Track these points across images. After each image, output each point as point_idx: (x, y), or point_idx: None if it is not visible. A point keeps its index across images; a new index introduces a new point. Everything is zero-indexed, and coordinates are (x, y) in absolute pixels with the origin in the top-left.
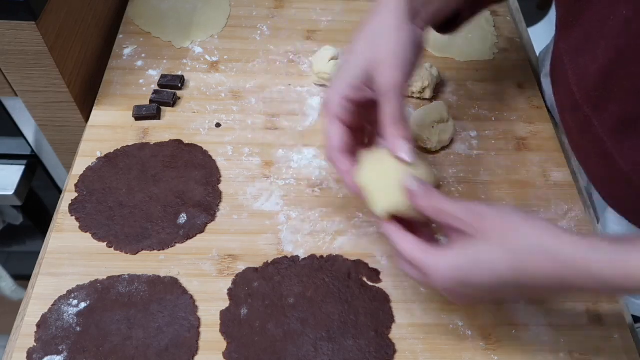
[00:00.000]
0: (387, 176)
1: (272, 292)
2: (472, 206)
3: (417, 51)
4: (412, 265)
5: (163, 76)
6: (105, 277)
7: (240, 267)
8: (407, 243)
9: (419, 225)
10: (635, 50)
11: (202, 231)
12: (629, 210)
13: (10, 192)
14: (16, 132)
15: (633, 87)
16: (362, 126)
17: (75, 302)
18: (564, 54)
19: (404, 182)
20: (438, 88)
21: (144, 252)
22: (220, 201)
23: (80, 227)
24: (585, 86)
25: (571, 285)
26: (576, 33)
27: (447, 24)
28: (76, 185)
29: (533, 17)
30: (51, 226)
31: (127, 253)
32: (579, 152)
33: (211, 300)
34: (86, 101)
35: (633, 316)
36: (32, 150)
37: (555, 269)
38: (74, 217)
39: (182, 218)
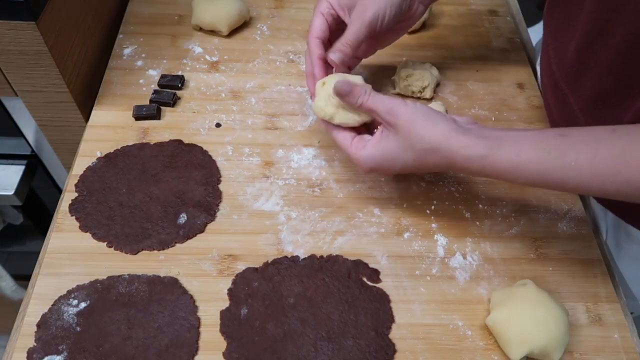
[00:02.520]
0: (329, 86)
1: (272, 292)
2: (390, 104)
3: (399, 16)
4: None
5: (163, 76)
6: (105, 277)
7: (240, 267)
8: (340, 136)
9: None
10: (608, 24)
11: (202, 231)
12: None
13: (10, 192)
14: (16, 132)
15: (606, 61)
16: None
17: (75, 302)
18: (547, 34)
19: (335, 85)
20: (438, 88)
21: (144, 252)
22: (220, 201)
23: (80, 227)
24: (564, 64)
25: (460, 170)
26: (559, 12)
27: None
28: (76, 185)
29: (533, 17)
30: (51, 226)
31: (127, 253)
32: None
33: (211, 300)
34: (86, 101)
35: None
36: (32, 150)
37: (444, 162)
38: (74, 217)
39: (182, 218)
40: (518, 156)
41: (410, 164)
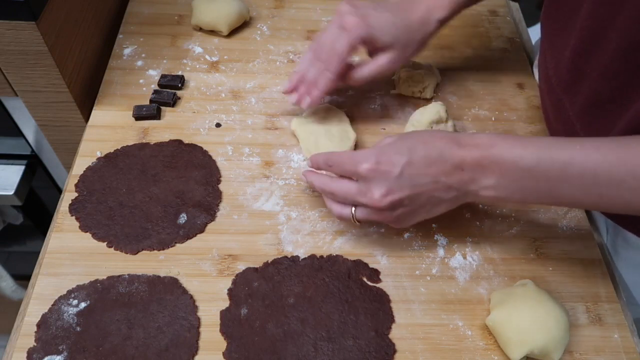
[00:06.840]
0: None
1: (272, 292)
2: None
3: (422, 42)
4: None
5: (163, 76)
6: (105, 277)
7: (240, 267)
8: (340, 182)
9: None
10: (603, 31)
11: (202, 231)
12: None
13: (10, 192)
14: (16, 132)
15: (601, 68)
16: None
17: (75, 302)
18: (544, 39)
19: (303, 173)
20: (438, 88)
21: (144, 252)
22: (220, 201)
23: (80, 227)
24: (560, 69)
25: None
26: (556, 18)
27: None
28: (76, 185)
29: (533, 17)
30: (51, 226)
31: (127, 253)
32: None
33: (211, 300)
34: (86, 101)
35: None
36: (32, 150)
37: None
38: (74, 217)
39: (182, 218)
40: (524, 147)
41: (416, 154)
